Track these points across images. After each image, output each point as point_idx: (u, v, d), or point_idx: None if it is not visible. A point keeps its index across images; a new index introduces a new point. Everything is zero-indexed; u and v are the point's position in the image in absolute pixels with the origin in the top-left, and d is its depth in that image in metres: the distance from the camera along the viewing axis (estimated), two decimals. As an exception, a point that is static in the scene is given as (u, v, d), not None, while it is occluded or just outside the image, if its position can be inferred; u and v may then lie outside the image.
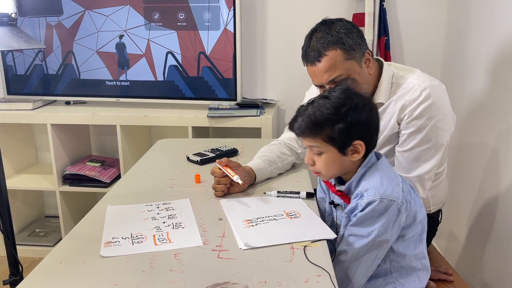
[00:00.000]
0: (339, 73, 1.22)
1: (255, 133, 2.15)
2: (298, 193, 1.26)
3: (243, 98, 2.23)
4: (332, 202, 1.18)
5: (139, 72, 2.23)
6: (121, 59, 2.23)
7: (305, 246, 0.98)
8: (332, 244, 1.03)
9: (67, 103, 2.41)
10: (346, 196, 1.12)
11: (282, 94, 2.39)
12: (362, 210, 1.03)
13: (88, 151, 2.57)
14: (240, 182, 1.22)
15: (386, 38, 2.20)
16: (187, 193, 1.30)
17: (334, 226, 1.20)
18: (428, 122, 1.23)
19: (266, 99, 2.28)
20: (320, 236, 1.02)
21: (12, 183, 2.35)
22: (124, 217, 1.14)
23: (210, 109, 2.11)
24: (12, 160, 2.45)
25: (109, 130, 2.47)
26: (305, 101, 1.55)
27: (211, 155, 1.59)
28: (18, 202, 2.51)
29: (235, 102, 2.16)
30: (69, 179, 2.30)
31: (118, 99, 2.28)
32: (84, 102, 2.41)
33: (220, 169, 1.26)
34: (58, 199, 2.29)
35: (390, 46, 2.23)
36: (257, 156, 1.43)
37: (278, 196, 1.26)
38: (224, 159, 1.27)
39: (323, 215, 1.25)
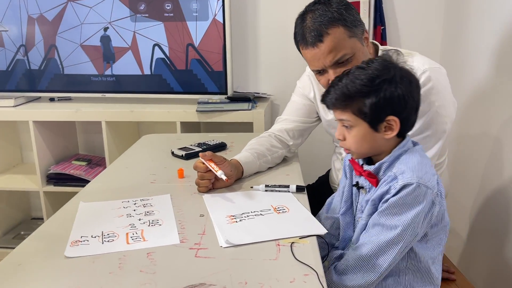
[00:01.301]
0: (344, 53, 1.12)
1: (247, 128, 2.06)
2: (288, 186, 1.16)
3: (234, 92, 2.14)
4: (356, 184, 1.06)
5: (125, 66, 2.14)
6: (106, 52, 2.14)
7: (293, 242, 0.89)
8: (324, 240, 0.94)
9: (52, 100, 2.32)
10: (374, 177, 1.00)
11: (275, 88, 2.30)
12: (395, 195, 0.93)
13: (75, 150, 2.47)
14: (224, 178, 1.12)
15: (382, 27, 2.11)
16: (168, 189, 1.21)
17: (350, 213, 1.10)
18: (428, 108, 1.14)
19: (259, 93, 2.19)
20: (309, 232, 0.93)
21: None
22: (96, 215, 1.05)
23: (199, 103, 2.02)
24: (-5, 160, 2.36)
25: (97, 128, 2.35)
26: (296, 91, 1.46)
27: (197, 149, 1.50)
28: (3, 203, 2.42)
29: (226, 96, 2.07)
30: (54, 178, 2.20)
31: (104, 94, 2.19)
32: (69, 99, 2.32)
33: (204, 163, 1.16)
34: (42, 200, 2.19)
35: (386, 36, 2.14)
36: (245, 149, 1.34)
37: (266, 191, 1.17)
38: (208, 153, 1.18)
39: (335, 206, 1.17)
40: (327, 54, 1.11)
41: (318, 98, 1.38)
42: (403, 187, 0.92)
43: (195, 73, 2.09)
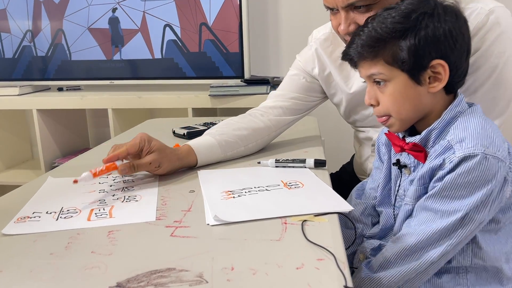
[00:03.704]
0: None
1: (265, 115, 1.83)
2: (304, 161, 0.92)
3: (252, 76, 1.93)
4: (397, 162, 0.81)
5: (134, 49, 1.97)
6: (115, 35, 1.98)
7: (305, 220, 0.65)
8: (350, 220, 0.70)
9: (60, 89, 2.18)
10: (420, 149, 0.75)
11: (299, 73, 2.07)
12: (452, 171, 0.68)
13: (84, 144, 2.32)
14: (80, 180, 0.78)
15: None
16: (160, 165, 0.99)
17: (389, 200, 0.86)
18: (496, 60, 0.87)
19: (279, 77, 1.96)
20: (328, 208, 0.68)
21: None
22: (63, 190, 0.85)
23: (212, 87, 1.81)
24: (4, 155, 2.23)
25: (108, 121, 2.21)
26: (295, 65, 1.20)
27: (202, 128, 1.28)
28: (10, 201, 2.28)
29: (241, 79, 1.85)
30: (59, 172, 2.04)
31: (112, 81, 2.02)
32: (78, 88, 2.17)
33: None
34: (47, 196, 2.03)
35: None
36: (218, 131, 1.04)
37: (277, 167, 0.93)
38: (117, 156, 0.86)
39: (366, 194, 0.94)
40: None
41: (327, 74, 1.12)
42: (463, 160, 0.67)
43: (209, 56, 1.90)
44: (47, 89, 2.21)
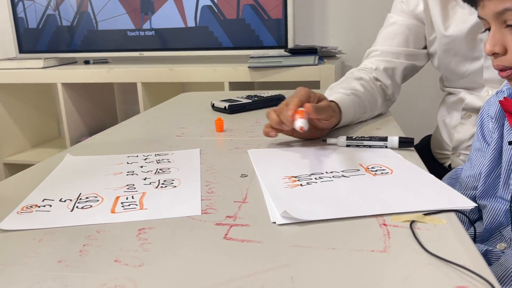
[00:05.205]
0: None
1: (312, 88, 1.63)
2: (385, 139, 0.73)
3: (296, 45, 1.72)
4: None
5: (165, 17, 1.80)
6: (144, 2, 1.80)
7: (413, 221, 0.46)
8: (471, 223, 0.51)
9: (87, 62, 2.03)
10: None
11: (348, 44, 1.84)
12: None
13: (113, 121, 2.18)
14: (304, 127, 0.65)
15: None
16: (199, 143, 0.82)
17: (494, 196, 0.67)
18: None
19: (327, 47, 1.75)
20: (444, 204, 0.49)
21: (21, 157, 2.01)
22: (82, 171, 0.68)
23: (251, 57, 1.62)
24: (29, 133, 2.12)
25: (137, 97, 2.06)
26: (395, 9, 1.01)
27: (246, 101, 1.10)
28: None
29: (285, 49, 1.65)
30: (86, 151, 1.91)
31: (142, 53, 1.85)
32: (106, 61, 2.02)
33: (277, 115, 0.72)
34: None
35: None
36: (346, 87, 0.87)
37: (348, 146, 0.74)
38: (308, 105, 0.69)
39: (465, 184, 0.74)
40: None
41: (433, 9, 0.93)
42: None
43: (248, 23, 1.70)
44: (73, 62, 2.07)
